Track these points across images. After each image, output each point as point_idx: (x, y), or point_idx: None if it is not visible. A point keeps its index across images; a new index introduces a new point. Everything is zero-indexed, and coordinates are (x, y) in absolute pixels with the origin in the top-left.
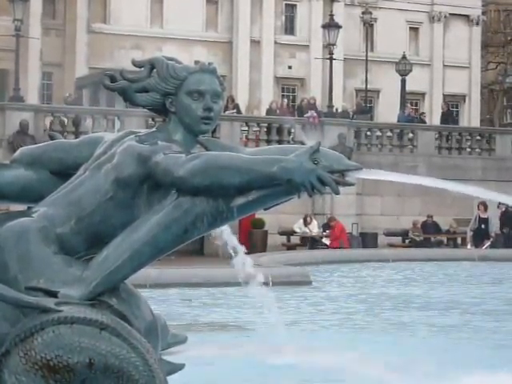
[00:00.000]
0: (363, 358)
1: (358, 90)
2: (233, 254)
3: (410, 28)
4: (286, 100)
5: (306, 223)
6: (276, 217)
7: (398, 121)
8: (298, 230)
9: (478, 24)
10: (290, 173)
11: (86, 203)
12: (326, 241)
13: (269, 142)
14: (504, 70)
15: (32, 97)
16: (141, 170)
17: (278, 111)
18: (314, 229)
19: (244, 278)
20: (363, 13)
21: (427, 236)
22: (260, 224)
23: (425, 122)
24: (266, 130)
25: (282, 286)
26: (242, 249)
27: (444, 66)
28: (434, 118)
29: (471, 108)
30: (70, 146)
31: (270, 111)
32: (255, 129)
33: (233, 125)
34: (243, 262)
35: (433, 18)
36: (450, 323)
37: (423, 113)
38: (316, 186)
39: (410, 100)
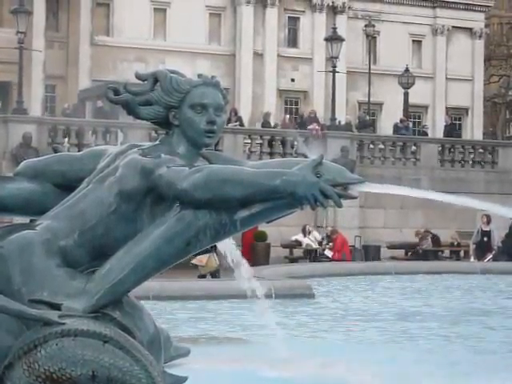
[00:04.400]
0: (363, 370)
1: (360, 103)
2: (234, 266)
3: (413, 41)
4: (288, 115)
5: (304, 234)
6: (278, 229)
7: (396, 132)
8: (301, 239)
9: (480, 37)
10: (292, 186)
11: (89, 216)
12: (329, 253)
13: (271, 154)
14: (507, 82)
15: (35, 109)
16: (144, 182)
17: (279, 125)
18: (317, 238)
19: (245, 291)
20: (366, 26)
21: (436, 249)
22: (262, 237)
23: (427, 135)
24: (268, 142)
25: (284, 299)
26: (244, 261)
27: (447, 78)
28: (437, 130)
29: (474, 121)
30: (73, 159)
31: (265, 124)
32: (258, 141)
33: (236, 137)
34: (245, 274)
35: (436, 30)
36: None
37: (425, 125)
38: (319, 198)
39: (412, 113)
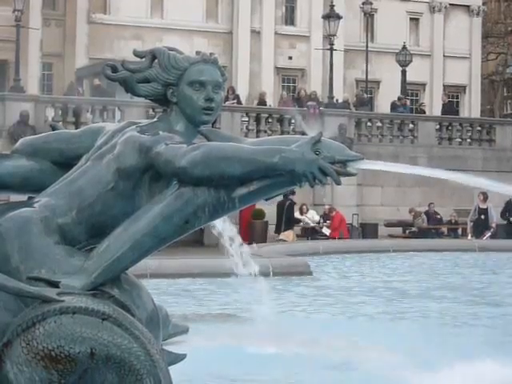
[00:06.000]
0: (362, 346)
1: (358, 81)
2: (231, 244)
3: (411, 19)
4: (285, 93)
5: (302, 213)
6: (276, 207)
7: (393, 109)
8: (298, 217)
9: (478, 14)
10: (291, 163)
11: (87, 193)
12: (326, 231)
13: (269, 132)
14: (504, 60)
15: (32, 87)
16: (142, 160)
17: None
18: (315, 217)
19: (241, 269)
20: (363, 3)
21: (430, 227)
22: (260, 215)
23: (424, 113)
24: (265, 120)
25: (282, 277)
26: (239, 239)
27: (444, 56)
28: (435, 108)
29: (471, 99)
30: (71, 136)
31: (261, 103)
32: (255, 119)
33: (233, 115)
34: (241, 252)
35: (433, 8)
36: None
37: (423, 103)
38: (317, 176)
39: (410, 91)
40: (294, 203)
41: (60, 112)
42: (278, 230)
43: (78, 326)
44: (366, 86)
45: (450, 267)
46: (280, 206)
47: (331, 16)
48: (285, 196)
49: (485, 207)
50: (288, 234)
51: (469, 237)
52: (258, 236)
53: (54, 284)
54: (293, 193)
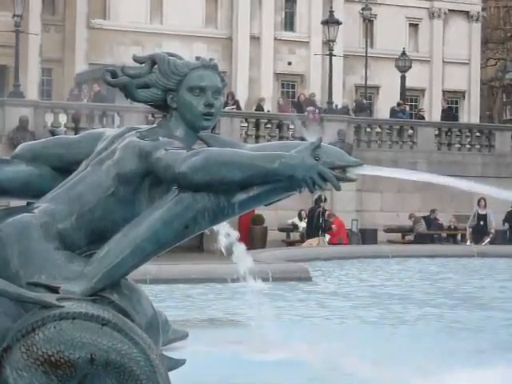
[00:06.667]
0: (359, 353)
1: (357, 86)
2: (231, 250)
3: (410, 24)
4: (281, 98)
5: (300, 218)
6: (275, 213)
7: (393, 115)
8: (297, 222)
9: (477, 20)
10: (291, 169)
11: (87, 199)
12: (326, 237)
13: (268, 138)
14: (503, 66)
15: (32, 93)
16: (142, 165)
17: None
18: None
19: (242, 274)
20: (363, 9)
21: (430, 233)
22: (260, 220)
23: (424, 118)
24: (264, 126)
25: (281, 282)
26: (240, 245)
27: (444, 62)
28: (434, 114)
29: (471, 104)
30: (71, 141)
31: (259, 109)
32: (255, 125)
33: (233, 121)
34: (241, 258)
35: (432, 14)
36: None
37: (422, 109)
38: (317, 181)
39: (409, 96)
40: (325, 210)
41: (66, 117)
42: (308, 237)
43: (78, 331)
44: (366, 92)
45: (448, 273)
46: (310, 213)
47: (331, 21)
48: (316, 203)
49: (484, 213)
50: (312, 242)
51: (468, 242)
52: (258, 241)
53: (54, 289)
54: (324, 200)
